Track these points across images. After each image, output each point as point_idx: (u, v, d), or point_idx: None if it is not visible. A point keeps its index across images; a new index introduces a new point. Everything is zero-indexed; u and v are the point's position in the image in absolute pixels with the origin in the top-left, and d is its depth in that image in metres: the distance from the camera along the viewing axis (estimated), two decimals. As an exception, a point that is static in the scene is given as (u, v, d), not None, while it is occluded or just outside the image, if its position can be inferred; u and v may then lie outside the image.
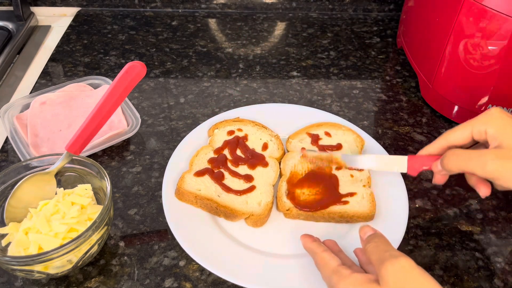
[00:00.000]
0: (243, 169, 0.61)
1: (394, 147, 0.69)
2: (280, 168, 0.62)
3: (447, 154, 0.48)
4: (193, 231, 0.55)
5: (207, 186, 0.58)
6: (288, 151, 0.65)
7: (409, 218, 0.58)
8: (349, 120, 0.73)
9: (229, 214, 0.55)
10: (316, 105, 0.76)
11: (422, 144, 0.69)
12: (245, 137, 0.65)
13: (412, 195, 0.62)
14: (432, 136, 0.71)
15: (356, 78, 0.83)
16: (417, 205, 0.61)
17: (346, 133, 0.66)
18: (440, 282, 0.52)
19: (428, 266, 0.54)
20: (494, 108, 0.48)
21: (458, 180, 0.64)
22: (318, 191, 0.58)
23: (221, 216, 0.57)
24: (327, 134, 0.66)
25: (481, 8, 0.60)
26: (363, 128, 0.72)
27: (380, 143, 0.69)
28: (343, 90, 0.80)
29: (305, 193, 0.58)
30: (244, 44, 0.91)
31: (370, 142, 0.66)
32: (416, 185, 0.63)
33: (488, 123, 0.47)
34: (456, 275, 0.53)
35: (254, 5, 1.01)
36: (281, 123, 0.69)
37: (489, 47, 0.61)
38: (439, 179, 0.53)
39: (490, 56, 0.62)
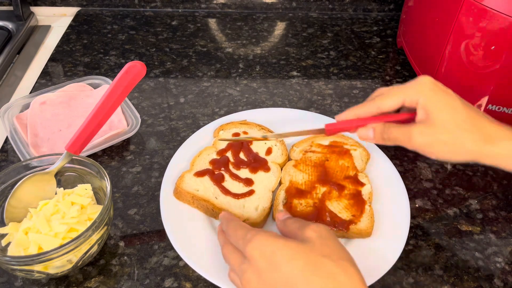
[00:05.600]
0: (244, 173, 0.61)
1: (394, 147, 0.69)
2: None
3: (377, 129, 0.49)
4: (187, 231, 0.54)
5: (205, 187, 0.58)
6: (291, 159, 0.64)
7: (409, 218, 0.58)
8: (349, 120, 0.73)
9: None
10: (316, 105, 0.76)
11: (422, 144, 0.69)
12: (249, 141, 0.65)
13: (412, 195, 0.62)
14: (432, 136, 0.71)
15: (356, 78, 0.83)
16: (417, 205, 0.61)
17: (352, 146, 0.64)
18: (440, 282, 0.52)
19: (428, 266, 0.54)
20: (426, 78, 0.48)
21: (458, 180, 0.64)
22: (317, 203, 0.56)
23: (217, 218, 0.56)
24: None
25: (481, 8, 0.60)
26: (363, 128, 0.72)
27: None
28: (343, 90, 0.80)
29: (303, 204, 0.56)
30: (244, 44, 0.91)
31: (380, 155, 0.64)
32: (416, 185, 0.63)
33: (421, 93, 0.46)
34: (456, 275, 0.53)
35: (254, 5, 1.01)
36: (289, 129, 0.66)
37: (489, 47, 0.61)
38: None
39: (490, 56, 0.62)
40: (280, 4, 1.01)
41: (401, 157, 0.67)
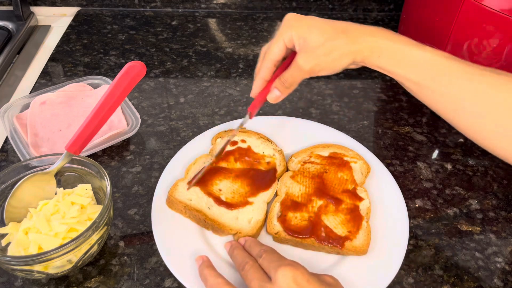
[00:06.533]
0: None
1: (394, 147, 0.69)
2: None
3: (277, 84, 0.54)
4: (177, 242, 0.53)
5: (199, 197, 0.57)
6: (289, 170, 0.62)
7: (409, 218, 0.58)
8: (349, 120, 0.73)
9: (217, 228, 0.54)
10: (316, 105, 0.76)
11: (422, 144, 0.69)
12: (247, 149, 0.63)
13: (412, 195, 0.62)
14: (432, 136, 0.71)
15: (356, 78, 0.83)
16: (417, 205, 0.61)
17: (352, 158, 0.63)
18: (440, 282, 0.52)
19: (428, 266, 0.54)
20: (289, 15, 0.54)
21: (458, 180, 0.64)
22: (312, 217, 0.55)
23: (209, 229, 0.55)
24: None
25: (481, 8, 0.60)
26: (362, 128, 0.72)
27: (380, 143, 0.69)
28: (343, 90, 0.80)
29: (298, 218, 0.55)
30: (244, 44, 0.91)
31: (381, 169, 0.62)
32: (416, 185, 0.63)
33: (291, 28, 0.52)
34: (456, 275, 0.53)
35: (254, 5, 1.01)
36: (289, 138, 0.66)
37: (489, 47, 0.61)
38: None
39: (490, 55, 0.62)
40: (280, 4, 1.01)
41: (401, 157, 0.67)
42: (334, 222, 0.54)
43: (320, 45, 0.50)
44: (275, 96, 0.55)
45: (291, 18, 0.53)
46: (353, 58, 0.50)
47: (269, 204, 0.58)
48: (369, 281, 0.50)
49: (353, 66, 0.53)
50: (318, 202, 0.56)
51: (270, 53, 0.54)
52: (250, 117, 0.57)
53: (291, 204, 0.56)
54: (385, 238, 0.54)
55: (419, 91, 0.51)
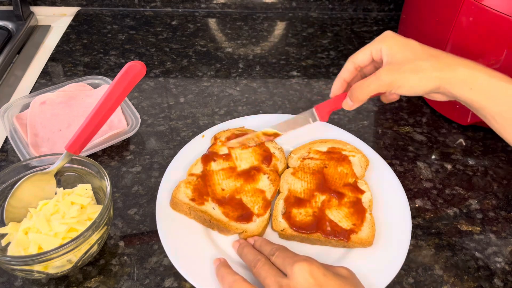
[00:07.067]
0: None
1: (394, 147, 0.69)
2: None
3: (352, 90, 0.54)
4: (184, 243, 0.53)
5: None
6: (289, 167, 0.62)
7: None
8: (349, 120, 0.73)
9: (223, 228, 0.54)
10: (316, 105, 0.76)
11: (422, 144, 0.69)
12: (257, 141, 0.63)
13: (412, 195, 0.62)
14: (432, 136, 0.71)
15: (356, 78, 0.83)
16: (417, 205, 0.61)
17: (350, 152, 0.63)
18: (440, 282, 0.52)
19: (428, 266, 0.54)
20: (387, 31, 0.55)
21: (458, 180, 0.64)
22: (316, 212, 0.55)
23: (215, 229, 0.55)
24: None
25: (481, 8, 0.60)
26: (362, 128, 0.72)
27: (380, 143, 0.69)
28: (343, 90, 0.80)
29: (302, 214, 0.55)
30: (244, 44, 0.91)
31: (379, 161, 0.63)
32: (416, 185, 0.63)
33: (383, 42, 0.53)
34: (456, 275, 0.53)
35: (254, 4, 1.01)
36: (288, 136, 0.66)
37: (489, 47, 0.61)
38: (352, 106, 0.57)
39: (490, 55, 0.62)
40: (280, 4, 1.01)
41: (401, 157, 0.67)
42: (338, 216, 0.55)
43: (408, 61, 0.50)
44: (347, 104, 0.57)
45: (387, 34, 0.54)
46: (439, 84, 0.49)
47: (272, 202, 0.58)
48: (378, 271, 0.50)
49: (437, 96, 0.52)
50: (321, 197, 0.57)
51: (354, 57, 0.55)
52: (320, 119, 0.59)
53: (294, 201, 0.57)
54: (389, 228, 0.55)
55: (510, 126, 0.49)
